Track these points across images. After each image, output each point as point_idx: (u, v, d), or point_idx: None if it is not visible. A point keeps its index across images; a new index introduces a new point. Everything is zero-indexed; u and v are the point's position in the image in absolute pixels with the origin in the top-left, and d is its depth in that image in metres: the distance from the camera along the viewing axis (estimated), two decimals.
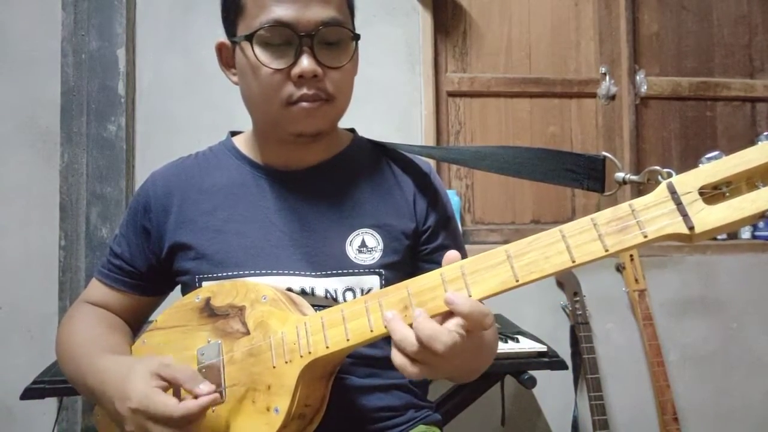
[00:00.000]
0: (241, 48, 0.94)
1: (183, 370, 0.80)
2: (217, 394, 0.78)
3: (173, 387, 0.80)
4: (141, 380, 0.78)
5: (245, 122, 1.06)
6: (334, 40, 0.93)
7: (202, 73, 2.12)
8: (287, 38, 0.90)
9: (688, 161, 2.50)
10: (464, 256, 1.02)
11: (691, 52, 2.55)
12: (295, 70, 0.89)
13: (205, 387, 0.78)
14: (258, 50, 0.91)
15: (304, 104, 0.91)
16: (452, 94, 2.42)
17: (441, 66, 2.41)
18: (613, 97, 2.48)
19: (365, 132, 1.13)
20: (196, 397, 0.77)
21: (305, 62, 0.89)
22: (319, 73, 0.90)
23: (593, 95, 2.49)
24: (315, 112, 0.92)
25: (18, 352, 2.07)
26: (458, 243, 1.06)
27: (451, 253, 0.75)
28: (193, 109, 2.18)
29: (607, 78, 2.48)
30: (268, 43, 0.91)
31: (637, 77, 2.49)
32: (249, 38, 0.91)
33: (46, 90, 2.11)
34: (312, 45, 0.90)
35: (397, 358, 0.71)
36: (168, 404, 0.76)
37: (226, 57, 1.00)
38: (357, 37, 0.95)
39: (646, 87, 2.48)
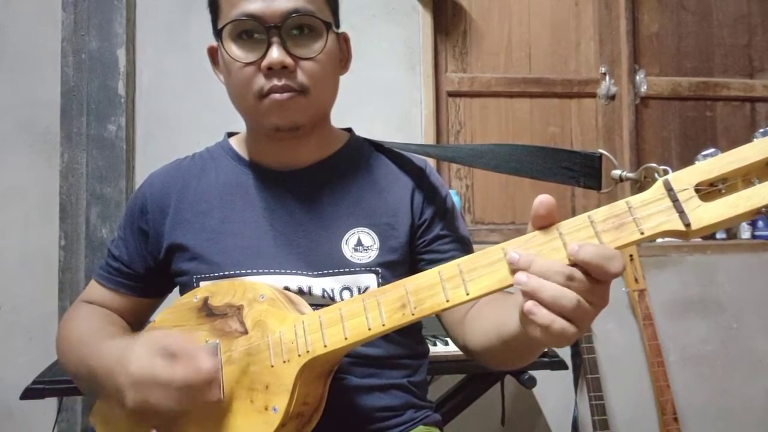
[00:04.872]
0: (220, 46, 0.95)
1: (185, 341, 0.80)
2: (218, 364, 0.78)
3: (175, 357, 0.79)
4: (144, 349, 0.78)
5: (244, 122, 1.06)
6: (305, 30, 0.92)
7: (202, 73, 2.10)
8: (257, 31, 0.91)
9: (688, 161, 2.49)
10: (469, 247, 1.04)
11: (691, 52, 2.55)
12: (264, 62, 0.89)
13: (207, 357, 0.77)
14: (231, 46, 0.92)
15: (275, 96, 0.91)
16: (452, 94, 2.43)
17: (441, 66, 2.41)
18: (613, 97, 2.49)
19: (366, 132, 1.13)
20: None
21: (274, 53, 0.89)
22: (288, 64, 0.89)
23: (593, 95, 2.49)
24: (287, 103, 0.91)
25: (18, 352, 2.07)
26: (459, 234, 1.04)
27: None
28: (193, 109, 2.18)
29: (607, 78, 2.48)
30: (241, 38, 0.92)
31: (637, 77, 2.49)
32: (220, 34, 0.93)
33: (46, 90, 2.12)
34: (281, 36, 0.89)
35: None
36: (170, 371, 0.75)
37: (216, 59, 1.01)
38: (330, 26, 0.94)
39: (646, 87, 2.49)
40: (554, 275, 0.61)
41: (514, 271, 0.65)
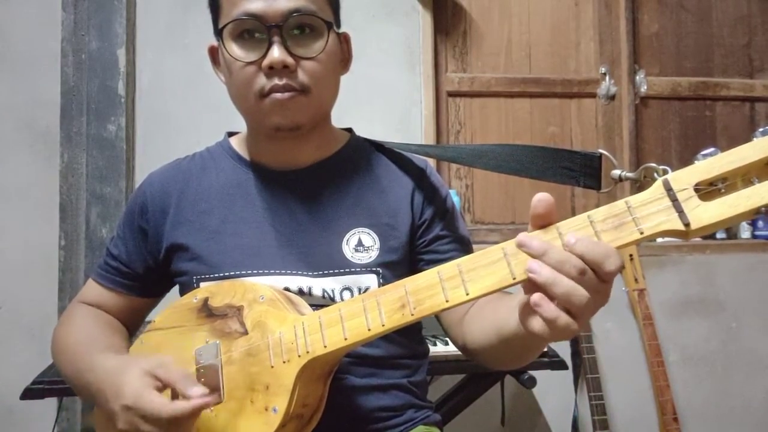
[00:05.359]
0: (221, 46, 0.95)
1: (177, 371, 0.79)
2: (209, 398, 0.77)
3: (167, 387, 0.80)
4: (136, 378, 0.78)
5: (244, 122, 1.06)
6: (306, 29, 0.92)
7: (202, 73, 2.11)
8: (258, 31, 0.91)
9: (688, 161, 2.49)
10: (469, 248, 1.04)
11: (691, 52, 2.55)
12: (265, 62, 0.89)
13: (197, 390, 0.77)
14: (232, 45, 0.92)
15: (277, 95, 0.91)
16: (452, 94, 2.43)
17: (441, 66, 2.41)
18: (613, 97, 2.49)
19: (366, 132, 1.13)
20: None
21: (275, 52, 0.89)
22: (290, 63, 0.89)
23: (593, 95, 2.49)
24: (288, 103, 0.91)
25: (18, 351, 2.08)
26: (459, 234, 1.04)
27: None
28: (193, 109, 2.18)
29: (607, 78, 2.48)
30: (242, 37, 0.92)
31: (637, 77, 2.49)
32: (221, 33, 0.93)
33: (46, 90, 2.12)
34: (282, 35, 0.89)
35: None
36: (158, 403, 0.75)
37: (217, 59, 1.01)
38: (331, 26, 0.94)
39: (645, 87, 2.49)
40: (571, 268, 0.61)
41: (520, 245, 0.64)
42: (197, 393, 0.76)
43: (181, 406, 0.75)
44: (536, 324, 0.64)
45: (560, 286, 0.61)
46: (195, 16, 2.18)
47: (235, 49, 0.92)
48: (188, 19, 2.20)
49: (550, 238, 0.65)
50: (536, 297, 0.62)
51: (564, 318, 0.61)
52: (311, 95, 0.93)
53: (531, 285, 0.64)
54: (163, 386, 0.79)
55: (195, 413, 0.76)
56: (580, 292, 0.61)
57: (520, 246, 0.64)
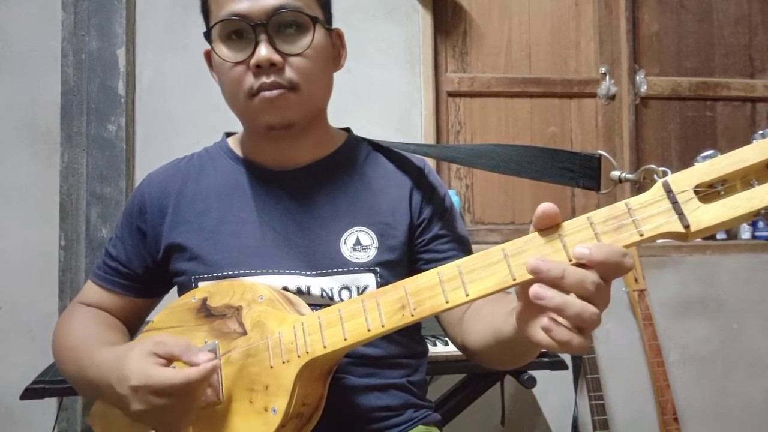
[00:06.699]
0: (212, 48, 0.95)
1: (178, 345, 0.80)
2: (217, 362, 0.78)
3: (171, 362, 0.80)
4: (138, 359, 0.78)
5: None
6: (292, 26, 0.92)
7: (202, 73, 2.08)
8: (244, 31, 0.91)
9: (688, 161, 2.48)
10: (468, 247, 1.04)
11: (691, 52, 2.55)
12: (252, 60, 0.89)
13: (203, 356, 0.78)
14: (221, 47, 0.93)
15: (265, 93, 0.91)
16: (452, 94, 2.42)
17: (441, 66, 2.41)
18: (613, 97, 2.48)
19: (366, 132, 1.13)
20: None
21: (262, 51, 0.89)
22: (276, 61, 0.89)
23: (593, 95, 2.49)
24: (277, 101, 0.91)
25: (18, 351, 2.08)
26: (458, 234, 1.04)
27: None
28: (193, 109, 2.18)
29: (607, 78, 2.48)
30: (230, 38, 0.92)
31: (637, 77, 2.49)
32: (209, 35, 0.93)
33: (46, 90, 2.12)
34: (268, 33, 0.89)
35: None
36: (168, 374, 0.76)
37: (212, 62, 1.01)
38: (316, 21, 0.94)
39: (646, 87, 2.49)
40: (590, 284, 0.60)
41: (534, 272, 0.62)
42: (204, 358, 0.77)
43: (192, 371, 0.76)
44: (542, 337, 0.63)
45: (572, 309, 0.60)
46: (195, 16, 2.13)
47: (223, 50, 0.92)
48: (188, 19, 2.19)
49: (551, 240, 0.65)
50: (546, 322, 0.61)
51: (577, 339, 0.61)
52: (300, 92, 0.93)
53: (526, 291, 0.63)
54: (167, 362, 0.79)
55: (206, 378, 0.77)
56: (590, 309, 0.60)
57: (535, 273, 0.62)
